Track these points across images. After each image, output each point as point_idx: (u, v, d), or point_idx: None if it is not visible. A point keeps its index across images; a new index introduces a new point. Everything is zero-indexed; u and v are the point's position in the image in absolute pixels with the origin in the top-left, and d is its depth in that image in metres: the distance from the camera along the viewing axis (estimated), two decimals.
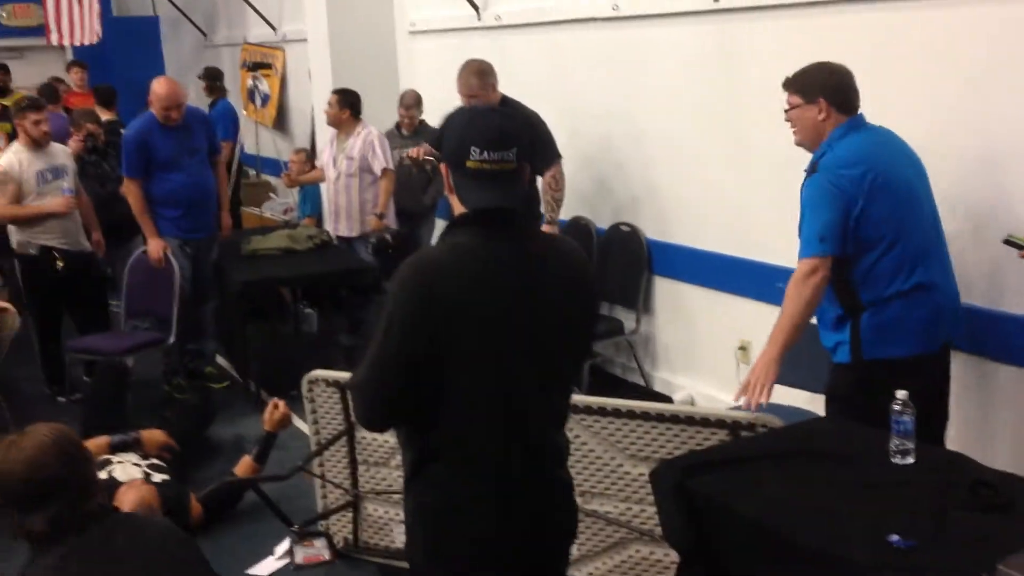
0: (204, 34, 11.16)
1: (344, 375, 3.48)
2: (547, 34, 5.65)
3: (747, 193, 4.47)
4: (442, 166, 2.04)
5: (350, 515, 3.72)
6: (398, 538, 3.56)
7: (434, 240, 5.53)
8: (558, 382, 2.08)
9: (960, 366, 3.41)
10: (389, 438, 3.43)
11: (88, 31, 9.63)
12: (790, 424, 2.79)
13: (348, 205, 5.88)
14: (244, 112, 9.46)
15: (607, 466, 3.08)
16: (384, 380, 1.96)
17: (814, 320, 3.04)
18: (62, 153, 5.49)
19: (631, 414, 2.99)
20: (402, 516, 2.19)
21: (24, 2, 11.30)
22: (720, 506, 2.24)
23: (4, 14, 11.54)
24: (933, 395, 2.93)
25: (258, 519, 3.94)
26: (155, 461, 3.99)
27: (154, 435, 4.17)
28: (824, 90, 2.98)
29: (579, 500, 2.30)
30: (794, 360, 2.97)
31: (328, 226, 6.13)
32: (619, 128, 5.22)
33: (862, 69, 3.09)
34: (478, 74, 4.71)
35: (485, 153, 1.92)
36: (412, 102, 6.22)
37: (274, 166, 9.32)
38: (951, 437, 3.19)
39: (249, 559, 3.72)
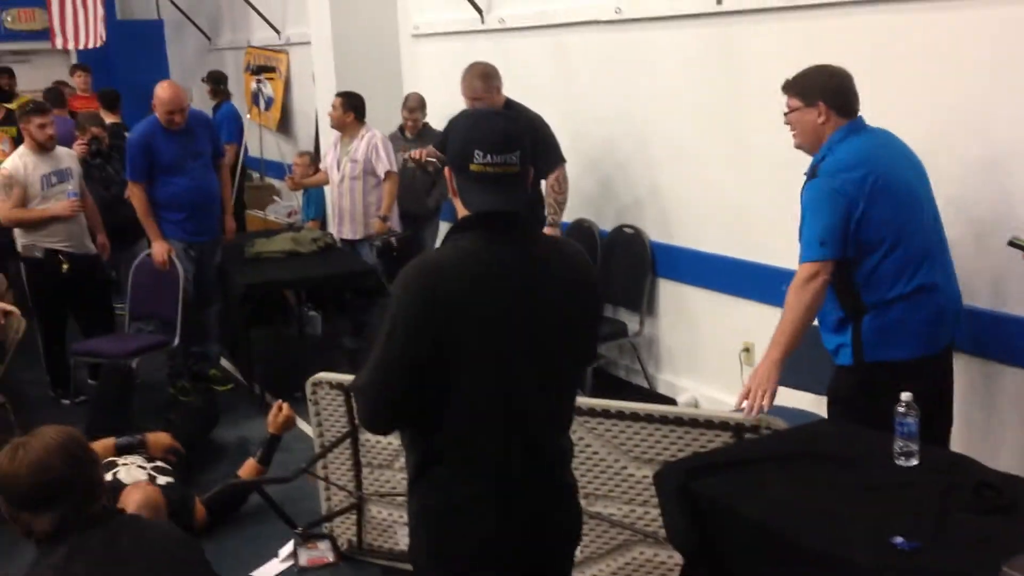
0: (208, 37, 11.17)
1: (348, 377, 3.49)
2: (550, 37, 5.66)
3: (751, 195, 4.47)
4: (446, 169, 2.05)
5: (354, 517, 3.72)
6: (402, 540, 3.56)
7: (438, 243, 5.54)
8: (559, 383, 2.09)
9: (964, 368, 3.41)
10: (393, 440, 3.44)
11: (93, 35, 9.65)
12: (794, 426, 2.79)
13: (352, 208, 5.89)
14: (248, 115, 9.46)
15: (611, 468, 3.08)
16: (388, 382, 1.97)
17: (816, 322, 3.04)
18: (67, 156, 5.50)
19: (635, 416, 3.00)
20: (406, 518, 2.20)
21: (29, 6, 11.33)
22: (724, 508, 2.24)
23: (9, 18, 11.57)
24: (935, 397, 2.92)
25: (262, 521, 3.95)
26: (160, 464, 4.01)
27: (159, 438, 4.18)
28: (823, 93, 2.97)
29: (583, 502, 2.30)
30: (797, 362, 2.97)
31: (332, 229, 6.14)
32: (622, 130, 5.22)
33: (864, 71, 3.09)
34: (482, 77, 4.71)
35: (488, 156, 1.93)
36: (416, 105, 6.23)
37: (278, 169, 9.33)
38: (955, 439, 3.19)
39: (253, 561, 3.72)
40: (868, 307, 2.93)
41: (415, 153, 5.18)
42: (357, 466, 3.65)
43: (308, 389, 3.63)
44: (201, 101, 9.50)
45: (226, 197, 5.79)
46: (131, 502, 3.44)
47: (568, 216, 5.11)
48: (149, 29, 11.47)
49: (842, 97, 2.98)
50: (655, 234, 5.12)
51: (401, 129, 6.30)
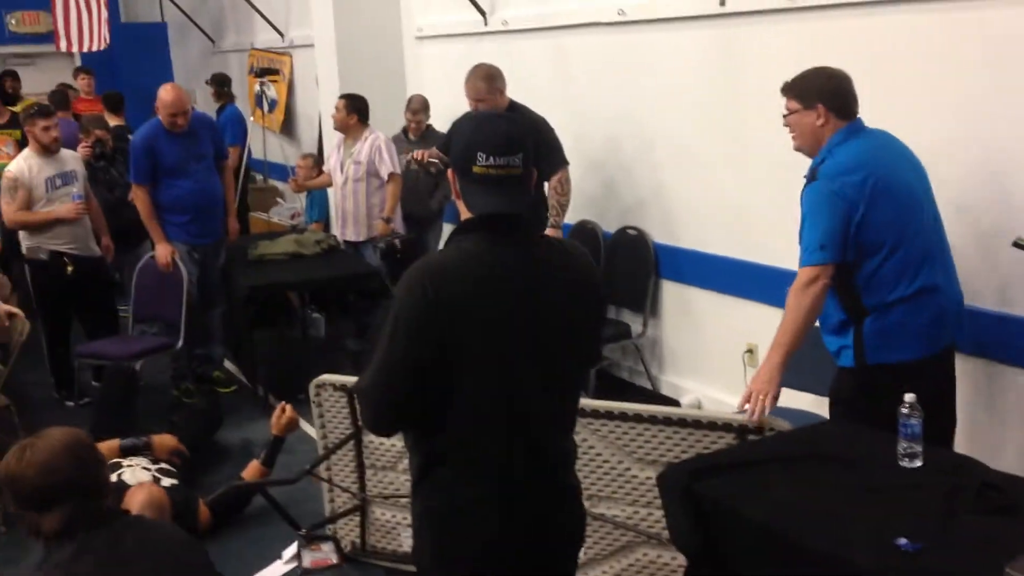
0: (212, 40, 11.20)
1: (351, 379, 3.49)
2: (553, 39, 5.66)
3: (753, 196, 4.47)
4: (449, 172, 2.06)
5: (358, 519, 3.72)
6: (405, 542, 3.56)
7: (441, 245, 5.55)
8: (562, 385, 2.09)
9: (968, 370, 3.41)
10: (396, 442, 3.44)
11: (97, 37, 9.67)
12: (797, 427, 2.79)
13: (355, 210, 5.90)
14: (251, 117, 9.49)
15: (614, 470, 3.08)
16: (391, 384, 1.97)
17: (818, 323, 3.04)
18: (72, 159, 5.52)
19: (638, 418, 3.00)
20: (409, 520, 2.20)
21: (33, 9, 11.37)
22: (727, 509, 2.24)
23: (13, 21, 11.61)
24: (937, 398, 2.92)
25: (266, 523, 3.95)
26: (164, 465, 4.01)
27: (164, 440, 4.19)
28: (822, 95, 2.96)
29: (586, 504, 2.30)
30: (798, 363, 2.96)
31: (335, 231, 6.15)
32: (625, 132, 5.23)
33: (866, 73, 3.09)
34: (486, 78, 4.72)
35: (491, 159, 1.94)
36: (419, 107, 6.24)
37: (281, 171, 9.35)
38: (959, 440, 3.18)
39: (257, 563, 3.73)
40: (869, 310, 2.93)
41: (418, 154, 5.19)
42: (361, 468, 3.65)
43: (312, 391, 3.63)
44: (205, 103, 9.52)
45: (230, 199, 5.80)
46: (135, 503, 3.44)
47: (571, 217, 5.11)
48: (153, 32, 11.50)
49: (841, 99, 2.97)
50: (658, 235, 5.12)
51: (404, 131, 6.31)
